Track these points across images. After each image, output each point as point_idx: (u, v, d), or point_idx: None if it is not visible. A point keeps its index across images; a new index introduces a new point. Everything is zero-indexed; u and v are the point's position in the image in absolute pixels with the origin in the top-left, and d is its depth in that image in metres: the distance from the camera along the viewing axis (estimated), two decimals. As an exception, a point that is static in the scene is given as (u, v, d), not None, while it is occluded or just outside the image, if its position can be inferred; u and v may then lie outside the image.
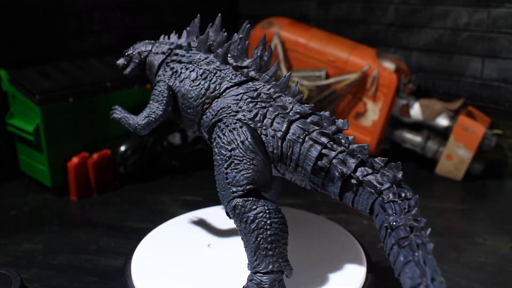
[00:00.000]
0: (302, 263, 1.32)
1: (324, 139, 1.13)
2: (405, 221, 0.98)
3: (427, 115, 2.50)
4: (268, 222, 1.14)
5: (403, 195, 1.03)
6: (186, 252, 1.42)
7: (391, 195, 1.03)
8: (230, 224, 1.52)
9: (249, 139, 1.17)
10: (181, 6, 3.07)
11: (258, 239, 1.14)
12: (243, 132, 1.18)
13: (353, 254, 1.38)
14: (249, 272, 1.19)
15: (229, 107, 1.23)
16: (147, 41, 1.52)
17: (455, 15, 2.57)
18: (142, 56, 1.48)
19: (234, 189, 1.16)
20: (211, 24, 1.39)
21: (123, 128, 2.45)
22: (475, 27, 2.52)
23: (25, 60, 2.38)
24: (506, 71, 2.46)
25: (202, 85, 1.30)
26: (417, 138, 2.54)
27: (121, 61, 1.53)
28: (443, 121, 2.49)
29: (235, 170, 1.17)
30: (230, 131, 1.20)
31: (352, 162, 1.10)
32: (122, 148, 2.33)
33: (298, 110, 1.18)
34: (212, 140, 1.25)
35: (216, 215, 1.60)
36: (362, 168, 1.10)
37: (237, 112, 1.22)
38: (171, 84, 1.36)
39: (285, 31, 2.71)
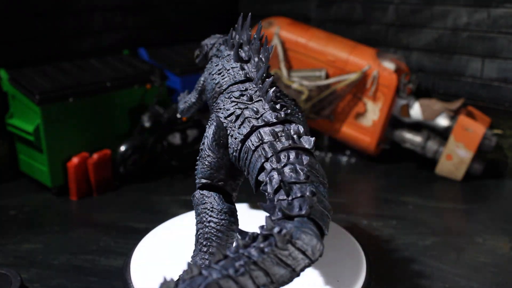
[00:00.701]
0: (302, 263, 1.32)
1: (269, 152, 1.06)
2: (233, 252, 0.83)
3: (427, 115, 2.49)
4: (208, 219, 1.18)
5: (275, 230, 0.85)
6: (186, 252, 1.42)
7: (266, 226, 0.88)
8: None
9: (210, 136, 1.20)
10: (181, 6, 3.07)
11: (198, 232, 1.20)
12: (211, 128, 1.21)
13: (353, 254, 1.38)
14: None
15: (218, 103, 1.26)
16: (218, 35, 1.60)
17: (455, 15, 2.57)
18: (207, 48, 1.59)
19: (197, 181, 1.24)
20: (245, 22, 1.40)
21: (123, 128, 2.45)
22: (475, 27, 2.52)
23: (25, 60, 2.38)
24: (506, 71, 2.46)
25: (215, 80, 1.35)
26: (417, 138, 2.54)
27: (196, 51, 1.66)
28: (443, 121, 2.48)
29: (200, 163, 1.23)
30: (208, 126, 1.24)
31: (275, 183, 1.00)
32: (122, 148, 2.33)
33: (265, 117, 1.13)
34: None
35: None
36: (281, 191, 0.98)
37: (220, 109, 1.24)
38: (205, 76, 1.45)
39: (285, 31, 2.71)
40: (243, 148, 1.14)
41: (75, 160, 2.19)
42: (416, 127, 2.59)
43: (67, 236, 1.91)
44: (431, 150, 2.51)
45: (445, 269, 1.68)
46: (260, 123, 1.13)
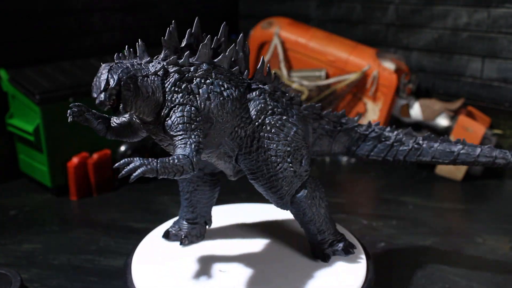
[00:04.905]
0: (302, 262, 1.33)
1: None
2: None
3: (427, 115, 2.50)
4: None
5: None
6: (186, 252, 1.42)
7: None
8: (230, 223, 1.53)
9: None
10: (181, 6, 3.07)
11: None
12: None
13: (353, 254, 1.38)
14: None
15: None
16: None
17: (455, 15, 2.57)
18: None
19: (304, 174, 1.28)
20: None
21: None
22: (475, 27, 2.52)
23: (25, 60, 2.38)
24: (506, 71, 2.46)
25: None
26: (417, 138, 2.54)
27: None
28: (443, 121, 2.49)
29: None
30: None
31: None
32: (122, 148, 2.33)
33: None
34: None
35: (216, 214, 1.60)
36: None
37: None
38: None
39: (285, 31, 2.71)
40: None
41: (75, 160, 2.19)
42: (416, 127, 2.59)
43: (67, 236, 1.91)
44: (431, 150, 2.50)
45: (445, 269, 1.68)
46: None
